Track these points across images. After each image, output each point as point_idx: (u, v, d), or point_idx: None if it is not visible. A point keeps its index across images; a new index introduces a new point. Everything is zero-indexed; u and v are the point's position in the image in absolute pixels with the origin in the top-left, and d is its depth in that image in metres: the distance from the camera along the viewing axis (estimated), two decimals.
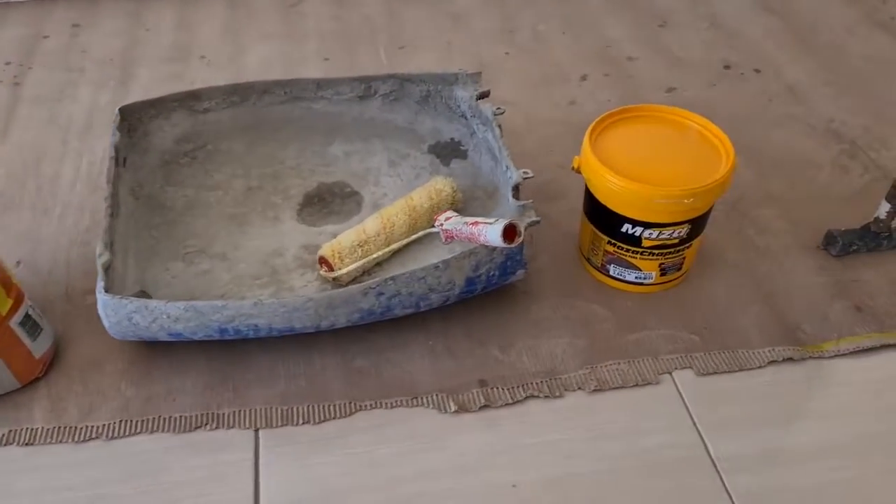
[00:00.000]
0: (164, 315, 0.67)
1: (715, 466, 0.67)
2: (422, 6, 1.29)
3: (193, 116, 0.88)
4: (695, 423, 0.70)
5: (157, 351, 0.75)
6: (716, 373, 0.75)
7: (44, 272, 0.83)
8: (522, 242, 0.73)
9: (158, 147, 0.87)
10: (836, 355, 0.76)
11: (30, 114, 1.05)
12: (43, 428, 0.69)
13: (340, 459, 0.67)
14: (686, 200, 0.72)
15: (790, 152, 1.01)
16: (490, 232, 0.68)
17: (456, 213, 0.76)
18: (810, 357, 0.76)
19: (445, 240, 0.75)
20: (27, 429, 0.68)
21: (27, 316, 0.71)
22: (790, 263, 0.85)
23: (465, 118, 0.91)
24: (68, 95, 1.08)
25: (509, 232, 0.68)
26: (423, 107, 0.93)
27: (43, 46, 1.18)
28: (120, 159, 0.83)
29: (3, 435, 0.68)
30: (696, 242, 0.79)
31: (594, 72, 1.15)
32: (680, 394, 0.73)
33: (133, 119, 0.85)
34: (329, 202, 0.90)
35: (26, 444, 0.67)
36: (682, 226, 0.76)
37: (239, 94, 0.89)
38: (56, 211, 0.90)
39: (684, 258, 0.80)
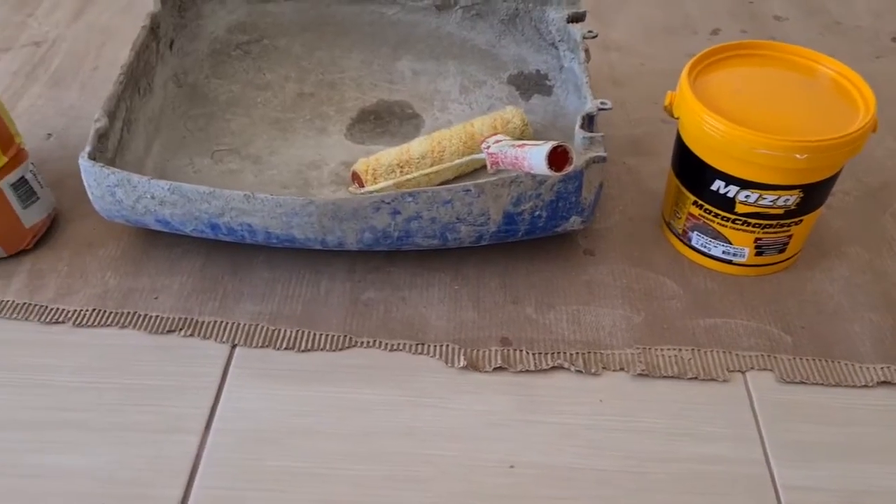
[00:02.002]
0: (148, 195, 0.58)
1: (777, 497, 0.51)
2: None
3: (251, 5, 0.80)
4: (762, 439, 0.55)
5: (155, 245, 0.67)
6: (804, 383, 0.58)
7: (71, 147, 0.77)
8: (580, 183, 0.60)
9: (210, 34, 0.80)
10: None
11: None
12: (13, 302, 0.62)
13: (314, 396, 0.57)
14: (798, 156, 0.56)
15: None
16: (534, 155, 0.55)
17: (507, 137, 0.63)
18: None
19: (491, 166, 0.63)
20: None
21: (22, 180, 0.64)
22: None
23: (556, 47, 0.78)
24: None
25: (558, 157, 0.54)
26: (508, 28, 0.80)
27: None
28: (166, 40, 0.77)
29: None
30: (809, 219, 0.63)
31: (729, 27, 0.98)
32: (751, 399, 0.57)
33: None
34: (386, 122, 0.80)
35: None
36: (792, 191, 0.59)
37: None
38: (104, 93, 0.84)
39: (790, 237, 0.63)
